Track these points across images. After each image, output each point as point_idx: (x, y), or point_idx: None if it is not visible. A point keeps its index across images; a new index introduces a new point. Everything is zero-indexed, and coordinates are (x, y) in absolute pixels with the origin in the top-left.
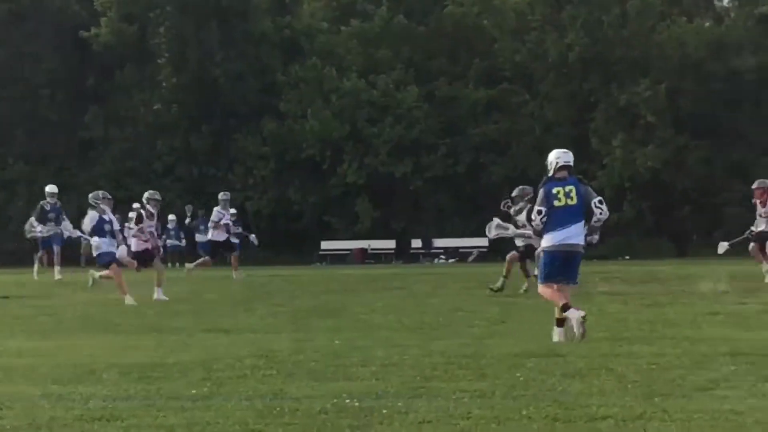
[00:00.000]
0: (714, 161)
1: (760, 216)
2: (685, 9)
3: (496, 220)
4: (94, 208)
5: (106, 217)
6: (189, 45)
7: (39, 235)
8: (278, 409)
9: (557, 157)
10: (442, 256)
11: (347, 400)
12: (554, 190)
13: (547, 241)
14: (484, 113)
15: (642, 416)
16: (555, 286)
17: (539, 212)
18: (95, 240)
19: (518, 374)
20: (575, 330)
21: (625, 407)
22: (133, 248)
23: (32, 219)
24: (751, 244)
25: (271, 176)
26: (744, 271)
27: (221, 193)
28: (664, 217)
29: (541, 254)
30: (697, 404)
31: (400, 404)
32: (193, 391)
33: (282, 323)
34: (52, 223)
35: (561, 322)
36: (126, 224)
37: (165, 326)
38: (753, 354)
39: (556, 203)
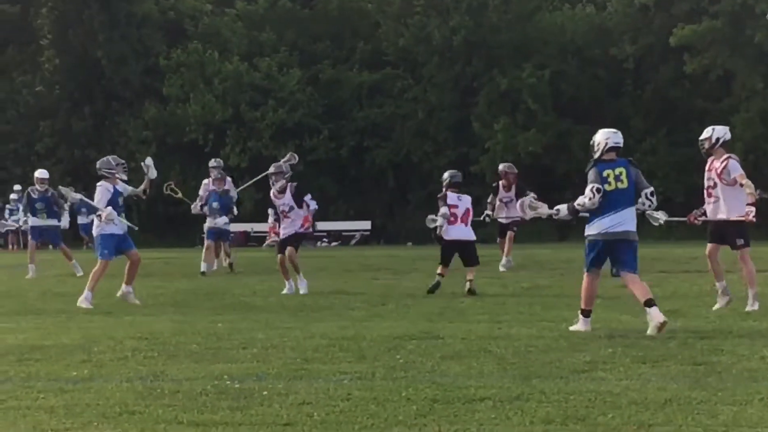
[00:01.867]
0: None
1: (501, 201)
2: None
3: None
4: (107, 178)
5: (120, 188)
6: (72, 26)
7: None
8: (159, 390)
9: (606, 137)
10: (325, 239)
11: (228, 382)
12: (604, 173)
13: (592, 228)
14: (368, 97)
15: (519, 397)
16: (598, 274)
17: (598, 190)
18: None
19: (398, 356)
20: (649, 330)
21: (503, 388)
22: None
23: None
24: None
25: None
26: None
27: (212, 160)
28: (545, 201)
29: (585, 242)
30: (574, 386)
31: (280, 386)
32: (74, 373)
33: (162, 305)
34: (44, 214)
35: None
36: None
37: (45, 309)
38: (629, 336)
39: (606, 186)
